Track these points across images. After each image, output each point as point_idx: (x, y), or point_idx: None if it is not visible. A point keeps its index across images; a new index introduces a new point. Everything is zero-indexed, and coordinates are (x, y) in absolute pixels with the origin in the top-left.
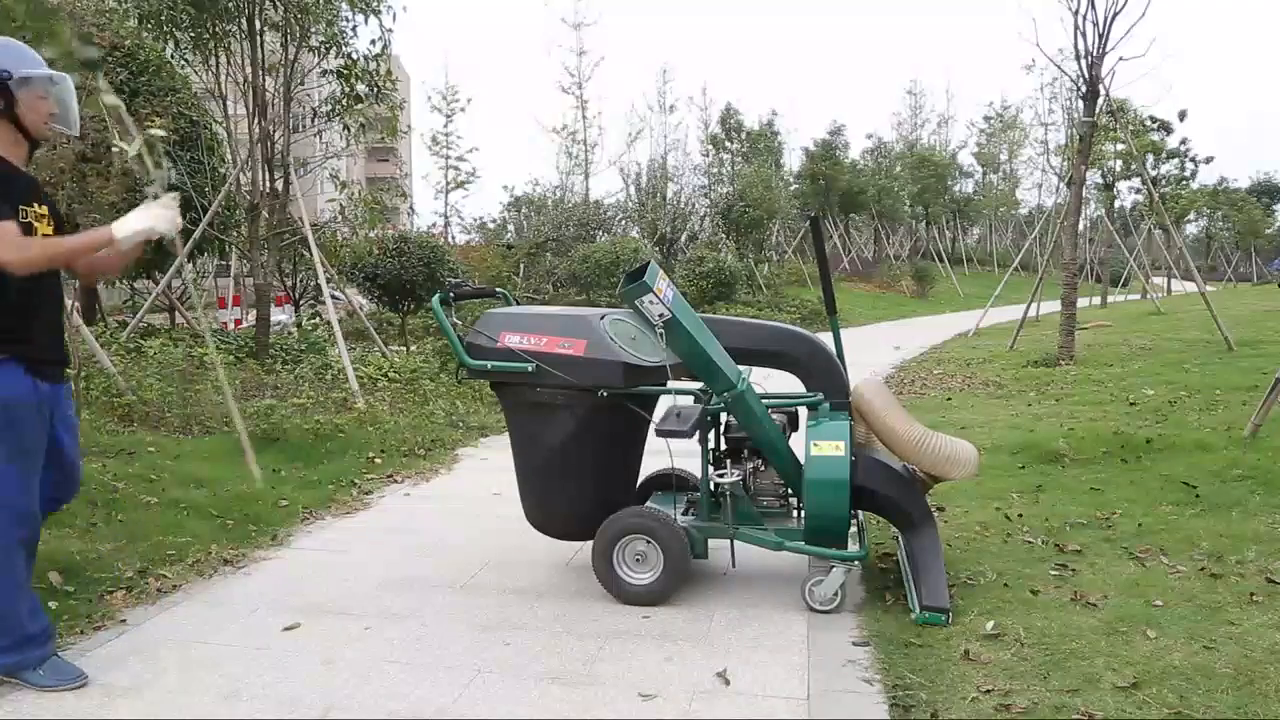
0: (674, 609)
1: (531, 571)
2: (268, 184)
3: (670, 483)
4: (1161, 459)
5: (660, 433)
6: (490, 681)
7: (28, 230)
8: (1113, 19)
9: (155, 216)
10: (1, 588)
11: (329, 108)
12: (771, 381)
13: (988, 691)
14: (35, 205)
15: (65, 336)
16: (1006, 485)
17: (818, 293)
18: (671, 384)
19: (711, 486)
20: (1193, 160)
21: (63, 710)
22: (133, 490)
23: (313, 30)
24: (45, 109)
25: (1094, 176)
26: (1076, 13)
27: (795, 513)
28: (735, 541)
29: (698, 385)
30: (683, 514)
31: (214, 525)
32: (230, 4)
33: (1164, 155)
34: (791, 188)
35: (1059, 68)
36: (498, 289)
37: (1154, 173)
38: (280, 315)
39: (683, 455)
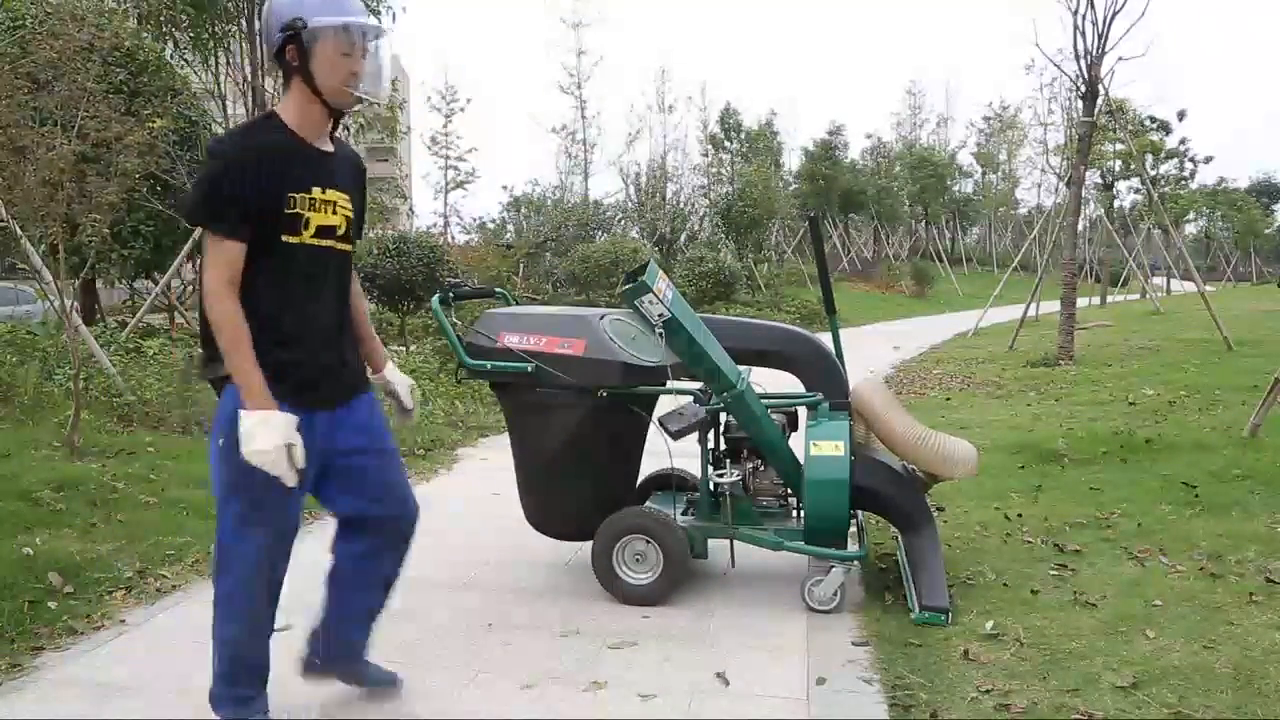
0: (674, 609)
1: (531, 571)
2: None
3: (670, 483)
4: (1161, 459)
5: (675, 433)
6: (490, 681)
7: (293, 222)
8: (1112, 19)
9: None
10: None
11: None
12: (772, 381)
13: (987, 691)
14: (319, 190)
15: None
16: (1006, 485)
17: (817, 293)
18: (671, 384)
19: (711, 486)
20: (1192, 160)
21: (63, 710)
22: (133, 490)
23: None
24: (345, 68)
25: (1093, 176)
26: (1076, 13)
27: (795, 513)
28: (735, 541)
29: (698, 385)
30: (682, 514)
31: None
32: (230, 4)
33: (1163, 155)
34: (791, 188)
35: (1058, 68)
36: (497, 289)
37: (1153, 173)
38: None
39: (683, 455)
